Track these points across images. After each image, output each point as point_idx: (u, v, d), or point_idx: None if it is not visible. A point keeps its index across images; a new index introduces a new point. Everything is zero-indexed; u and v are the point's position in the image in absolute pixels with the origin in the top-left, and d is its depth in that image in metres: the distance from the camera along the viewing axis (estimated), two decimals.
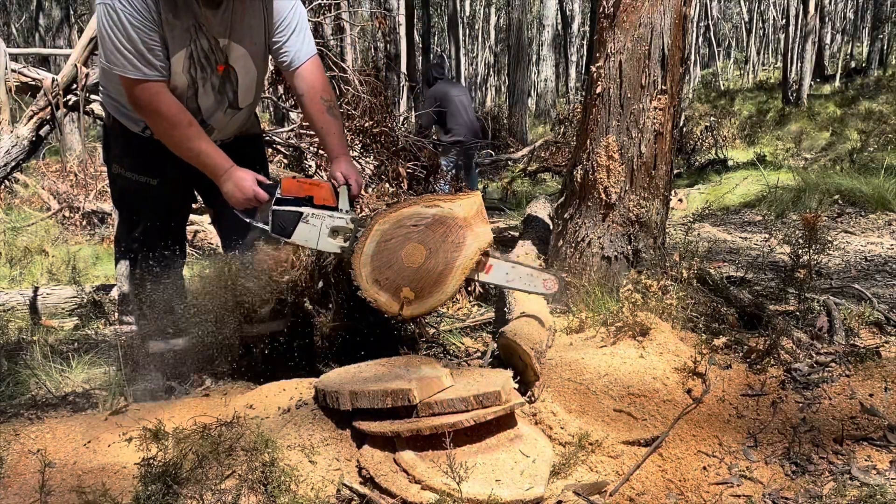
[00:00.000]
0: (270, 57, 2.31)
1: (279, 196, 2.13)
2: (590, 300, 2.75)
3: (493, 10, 35.62)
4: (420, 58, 16.62)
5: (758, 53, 32.16)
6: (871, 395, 2.02)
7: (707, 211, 6.27)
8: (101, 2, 1.93)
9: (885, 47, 24.18)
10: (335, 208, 2.15)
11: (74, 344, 2.88)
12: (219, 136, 2.33)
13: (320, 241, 2.13)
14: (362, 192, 3.83)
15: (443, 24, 32.65)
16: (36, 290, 3.47)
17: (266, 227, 2.13)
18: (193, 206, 2.67)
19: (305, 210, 2.12)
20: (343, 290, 2.31)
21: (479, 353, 2.69)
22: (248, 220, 2.18)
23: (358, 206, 2.30)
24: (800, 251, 2.66)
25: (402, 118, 7.11)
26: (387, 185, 4.53)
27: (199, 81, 2.12)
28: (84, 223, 5.71)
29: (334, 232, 2.13)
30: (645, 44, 2.75)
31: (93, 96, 3.27)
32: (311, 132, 4.89)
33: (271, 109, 11.72)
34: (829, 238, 2.70)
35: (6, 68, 3.43)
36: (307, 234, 2.11)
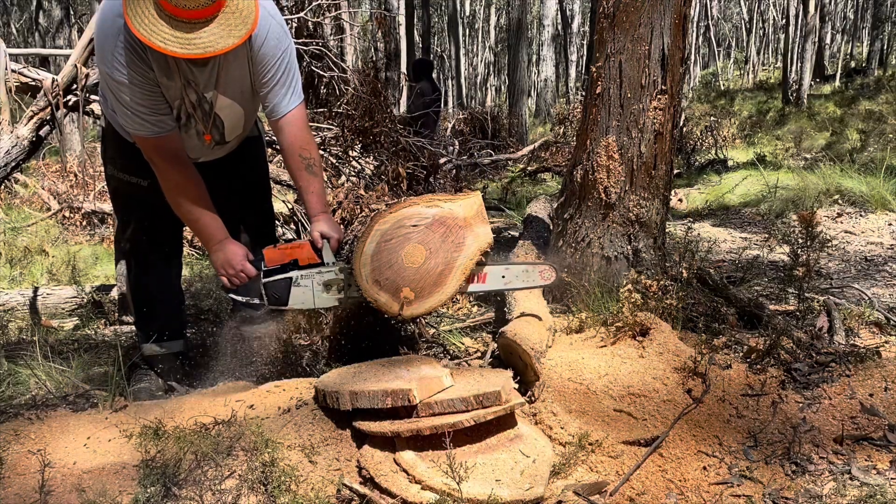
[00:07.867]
0: None
1: (265, 268, 2.15)
2: (590, 300, 2.75)
3: (493, 10, 35.63)
4: (420, 58, 16.60)
5: (758, 53, 32.13)
6: (871, 395, 2.03)
7: (707, 211, 6.27)
8: (102, 70, 1.95)
9: (885, 47, 24.17)
10: (321, 263, 2.17)
11: (74, 344, 2.88)
12: (207, 159, 2.34)
13: (316, 299, 2.16)
14: (361, 192, 3.81)
15: (443, 24, 32.65)
16: (36, 290, 3.47)
17: (262, 302, 2.16)
18: None
19: (294, 274, 2.14)
20: None
21: (479, 353, 2.69)
22: (242, 299, 2.20)
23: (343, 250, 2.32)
24: (798, 250, 2.66)
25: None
26: (386, 185, 4.52)
27: (182, 129, 2.15)
28: (84, 223, 5.70)
29: (327, 286, 2.16)
30: (645, 44, 2.75)
31: (93, 96, 3.26)
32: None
33: None
34: (829, 237, 2.70)
35: (6, 68, 3.42)
36: (302, 296, 2.15)
